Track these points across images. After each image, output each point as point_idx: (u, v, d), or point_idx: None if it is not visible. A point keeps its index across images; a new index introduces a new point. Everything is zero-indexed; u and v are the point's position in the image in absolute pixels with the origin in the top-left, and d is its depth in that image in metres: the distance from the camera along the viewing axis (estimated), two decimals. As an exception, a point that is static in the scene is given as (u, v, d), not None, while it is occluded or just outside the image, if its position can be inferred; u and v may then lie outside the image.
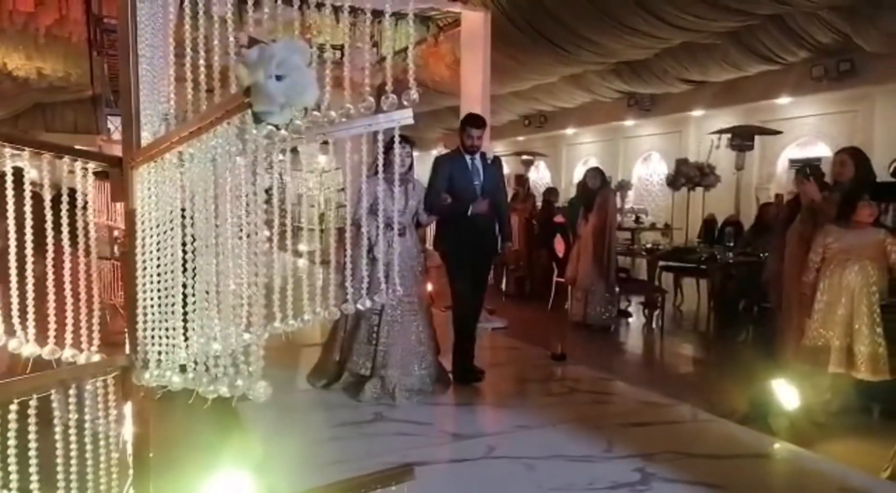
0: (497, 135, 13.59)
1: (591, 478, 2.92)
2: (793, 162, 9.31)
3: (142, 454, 1.40)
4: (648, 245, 7.29)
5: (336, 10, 1.62)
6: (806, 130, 9.54)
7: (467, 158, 4.36)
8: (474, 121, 4.40)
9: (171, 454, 2.85)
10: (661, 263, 7.26)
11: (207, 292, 1.04)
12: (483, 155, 4.36)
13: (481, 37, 6.34)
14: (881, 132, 8.51)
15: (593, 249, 6.45)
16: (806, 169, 4.60)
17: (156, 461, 1.47)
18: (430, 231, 4.42)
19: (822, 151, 9.05)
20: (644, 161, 12.88)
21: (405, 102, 1.19)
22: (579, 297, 6.65)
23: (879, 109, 8.55)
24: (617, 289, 6.76)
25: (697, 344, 6.58)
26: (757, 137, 8.79)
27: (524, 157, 13.59)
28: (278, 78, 0.87)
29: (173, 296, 1.11)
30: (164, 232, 1.14)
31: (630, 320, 7.31)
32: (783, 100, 9.18)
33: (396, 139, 1.36)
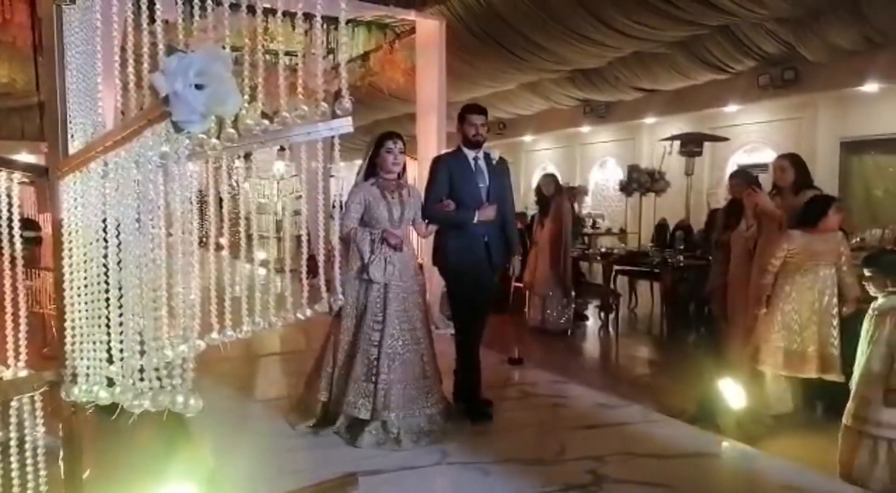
0: (456, 141, 13.63)
1: (543, 482, 2.95)
2: (741, 168, 9.58)
3: (75, 474, 1.36)
4: (603, 249, 7.41)
5: (291, 16, 1.61)
6: (753, 136, 9.84)
7: (470, 157, 3.81)
8: (474, 108, 3.88)
9: (117, 467, 2.78)
10: (615, 267, 7.39)
11: (133, 305, 1.02)
12: (487, 155, 3.86)
13: (436, 44, 6.37)
14: (824, 138, 8.84)
15: (550, 255, 6.52)
16: (756, 177, 4.69)
17: (98, 475, 1.43)
18: (425, 243, 3.95)
19: (769, 156, 9.33)
20: (600, 167, 13.10)
21: (338, 112, 1.19)
22: (537, 302, 6.72)
23: (822, 116, 8.87)
24: (573, 293, 6.85)
25: (650, 346, 6.71)
26: (707, 144, 9.03)
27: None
28: (199, 87, 0.86)
29: (99, 309, 1.09)
30: (91, 244, 1.12)
31: (587, 323, 7.41)
32: (731, 107, 9.45)
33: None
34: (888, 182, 8.64)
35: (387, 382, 3.35)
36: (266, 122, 1.22)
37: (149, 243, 0.98)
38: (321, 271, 1.68)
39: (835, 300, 3.94)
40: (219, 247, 1.59)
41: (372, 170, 3.56)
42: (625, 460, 3.20)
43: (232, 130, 1.24)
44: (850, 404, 3.19)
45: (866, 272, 3.22)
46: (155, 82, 0.85)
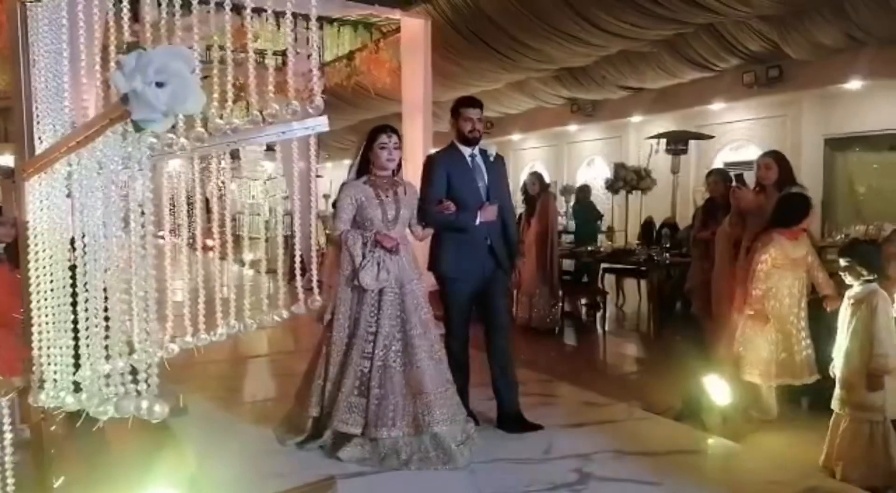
0: (444, 141, 13.63)
1: (529, 480, 2.95)
2: (727, 165, 9.63)
3: (45, 479, 1.34)
4: (590, 248, 7.43)
5: (277, 16, 1.59)
6: (739, 133, 9.89)
7: (466, 154, 3.55)
8: (469, 101, 3.60)
9: (94, 471, 2.75)
10: (602, 265, 7.40)
11: (98, 309, 1.00)
12: (483, 151, 3.61)
13: (421, 43, 6.35)
14: (808, 135, 8.89)
15: (536, 253, 6.52)
16: (742, 175, 4.66)
17: (74, 479, 1.41)
18: (422, 246, 3.64)
19: (754, 154, 9.36)
20: (588, 165, 13.12)
21: (310, 110, 1.18)
22: (524, 301, 6.72)
23: (807, 113, 8.93)
24: (560, 292, 6.86)
25: (637, 344, 6.73)
26: (693, 142, 9.07)
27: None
28: (159, 85, 0.84)
29: (66, 313, 1.07)
30: (57, 246, 1.09)
31: (575, 321, 7.42)
32: (717, 105, 9.49)
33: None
34: (871, 179, 8.71)
35: (379, 396, 3.08)
36: (237, 121, 1.21)
37: (113, 246, 0.96)
38: (308, 270, 1.65)
39: (804, 303, 3.94)
40: (206, 248, 1.58)
41: (364, 166, 3.31)
42: (610, 458, 3.21)
43: (201, 130, 1.22)
44: (837, 392, 3.23)
45: (843, 262, 3.24)
46: (113, 81, 0.83)
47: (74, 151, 1.00)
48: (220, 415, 3.86)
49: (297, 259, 1.69)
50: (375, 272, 3.11)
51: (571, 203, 9.45)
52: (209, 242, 1.89)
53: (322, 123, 1.42)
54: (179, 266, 1.60)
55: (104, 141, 0.97)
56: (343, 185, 3.37)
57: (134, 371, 0.92)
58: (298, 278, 1.61)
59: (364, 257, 3.13)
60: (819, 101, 8.68)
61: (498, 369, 3.57)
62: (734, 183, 4.64)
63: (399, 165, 3.35)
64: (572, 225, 8.90)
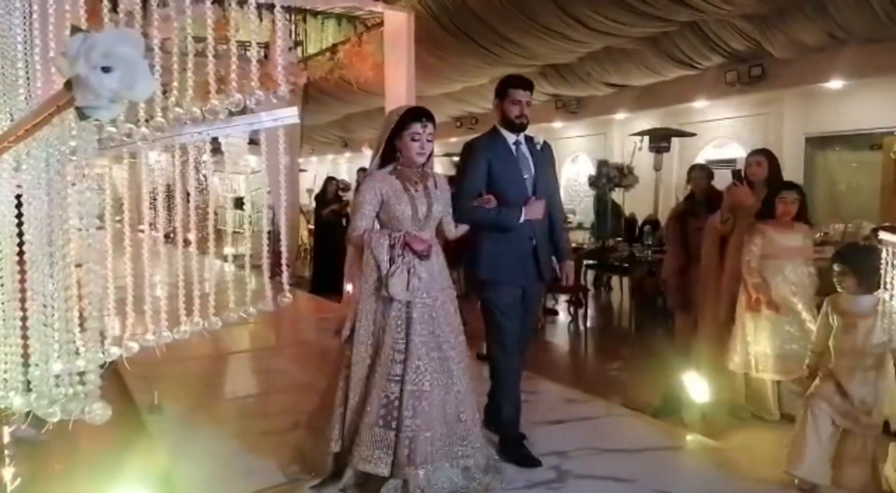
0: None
1: (507, 478, 2.92)
2: (710, 163, 9.67)
3: None
4: (573, 244, 7.44)
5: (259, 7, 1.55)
6: (721, 131, 9.94)
7: (510, 141, 3.10)
8: (519, 80, 3.13)
9: (70, 467, 2.69)
10: (585, 261, 7.41)
11: (45, 307, 0.96)
12: (529, 139, 3.16)
13: (405, 37, 6.30)
14: (790, 133, 8.96)
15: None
16: (740, 172, 4.58)
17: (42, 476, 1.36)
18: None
19: (737, 151, 9.44)
20: (572, 162, 13.14)
21: (273, 100, 1.14)
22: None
23: (788, 112, 8.99)
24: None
25: (618, 340, 6.76)
26: (676, 139, 9.09)
27: (455, 158, 13.63)
28: (105, 70, 0.80)
29: (14, 310, 1.02)
30: (4, 241, 1.05)
31: (557, 318, 7.43)
32: (700, 103, 9.53)
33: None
34: (851, 177, 8.79)
35: (412, 429, 2.58)
36: (197, 110, 1.17)
37: (60, 240, 0.92)
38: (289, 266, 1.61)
39: (811, 292, 3.81)
40: (186, 242, 1.53)
41: (390, 154, 2.80)
42: (588, 455, 3.20)
43: (161, 120, 1.18)
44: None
45: (837, 268, 3.03)
46: (57, 65, 0.79)
47: (21, 140, 0.95)
48: (196, 413, 3.81)
49: (274, 252, 1.65)
50: (406, 280, 2.63)
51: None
52: (189, 237, 1.85)
53: (292, 115, 1.39)
54: (155, 261, 1.56)
55: (53, 130, 0.92)
56: (364, 175, 2.95)
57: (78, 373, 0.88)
58: (285, 273, 1.57)
59: (392, 262, 2.64)
60: (800, 99, 8.74)
61: (504, 388, 3.21)
62: (732, 179, 4.60)
63: (430, 153, 2.84)
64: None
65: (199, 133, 1.29)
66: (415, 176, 2.78)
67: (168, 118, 1.15)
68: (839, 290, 3.05)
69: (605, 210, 8.23)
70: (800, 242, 3.87)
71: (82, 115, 0.80)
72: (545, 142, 3.26)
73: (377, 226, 2.79)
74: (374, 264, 2.66)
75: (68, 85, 0.79)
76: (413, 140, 2.72)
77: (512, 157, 3.09)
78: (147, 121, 1.14)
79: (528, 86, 3.10)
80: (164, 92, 1.31)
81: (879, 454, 2.94)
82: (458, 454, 2.69)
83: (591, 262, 7.48)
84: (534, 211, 3.02)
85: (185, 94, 1.14)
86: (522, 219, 3.00)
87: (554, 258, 3.33)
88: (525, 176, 3.09)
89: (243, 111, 1.27)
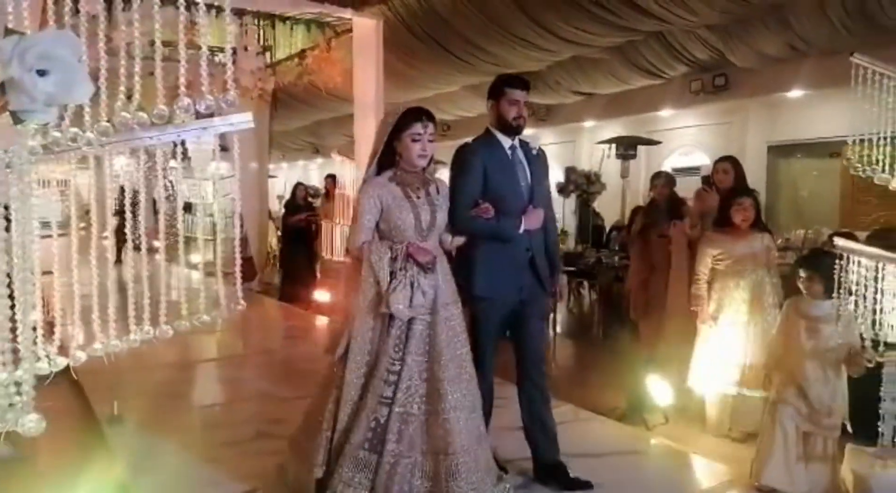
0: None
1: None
2: (675, 170, 9.84)
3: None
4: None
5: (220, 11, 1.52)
6: (686, 139, 10.13)
7: (506, 146, 2.90)
8: (516, 80, 2.93)
9: (21, 482, 2.62)
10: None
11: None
12: (525, 144, 2.97)
13: (373, 44, 6.30)
14: (753, 141, 9.16)
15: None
16: (709, 177, 4.63)
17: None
18: None
19: (701, 159, 9.62)
20: (543, 169, 13.26)
21: (223, 105, 1.13)
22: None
23: (751, 120, 9.20)
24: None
25: (586, 345, 6.82)
26: (643, 147, 9.24)
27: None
28: (41, 73, 0.79)
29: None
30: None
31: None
32: (665, 112, 9.70)
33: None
34: (812, 185, 9.02)
35: (394, 454, 2.41)
36: (144, 115, 1.15)
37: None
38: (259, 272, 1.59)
39: (771, 300, 3.72)
40: (152, 249, 1.50)
41: (389, 158, 2.60)
42: (555, 460, 3.20)
43: (107, 125, 1.16)
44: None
45: (802, 273, 3.06)
46: (-11, 68, 0.77)
47: (-42, 143, 0.92)
48: (158, 423, 3.72)
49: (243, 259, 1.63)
50: (409, 295, 2.42)
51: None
52: (156, 244, 1.83)
53: (246, 120, 1.37)
54: (106, 268, 1.53)
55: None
56: (363, 182, 2.69)
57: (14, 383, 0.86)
58: (238, 280, 1.55)
59: (394, 275, 2.43)
60: (763, 108, 8.95)
61: (531, 410, 3.04)
62: (702, 185, 4.65)
63: (431, 158, 2.64)
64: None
65: (150, 138, 1.27)
66: (416, 182, 2.59)
67: (115, 123, 1.13)
68: (806, 295, 3.09)
69: (589, 218, 8.31)
70: (756, 249, 3.80)
71: (16, 119, 0.78)
72: (540, 148, 3.09)
73: (376, 237, 2.58)
74: (374, 278, 2.45)
75: (1, 88, 0.77)
76: (414, 141, 2.53)
77: (509, 162, 2.89)
78: (93, 125, 1.12)
79: (525, 85, 2.91)
80: (129, 96, 1.30)
81: (838, 456, 3.01)
82: (446, 487, 2.41)
83: (565, 268, 7.53)
84: (532, 221, 2.84)
85: (133, 98, 1.12)
86: (521, 229, 2.82)
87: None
88: (522, 183, 2.89)
89: (212, 115, 1.26)
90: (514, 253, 2.85)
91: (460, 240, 2.77)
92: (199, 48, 1.26)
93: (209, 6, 1.34)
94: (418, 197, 2.56)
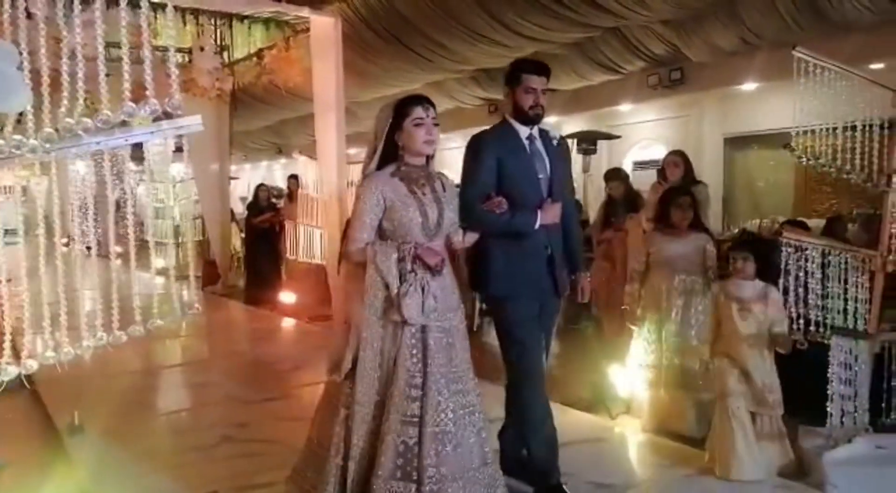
0: (361, 142, 13.50)
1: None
2: (636, 164, 10.00)
3: None
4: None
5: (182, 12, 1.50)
6: (645, 133, 10.29)
7: (523, 135, 2.70)
8: (534, 65, 2.75)
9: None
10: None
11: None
12: (544, 133, 2.77)
13: (332, 43, 6.25)
14: (709, 134, 9.37)
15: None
16: (664, 170, 4.68)
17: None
18: None
19: (661, 153, 9.78)
20: (507, 165, 13.35)
21: (167, 109, 1.12)
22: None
23: (707, 113, 9.40)
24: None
25: (552, 338, 6.87)
26: (604, 141, 9.36)
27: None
28: (-25, 82, 0.78)
29: None
30: None
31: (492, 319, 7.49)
32: (625, 106, 9.85)
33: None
34: (768, 175, 9.26)
35: (436, 479, 2.15)
36: (88, 121, 1.14)
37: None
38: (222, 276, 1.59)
39: (700, 307, 3.57)
40: (107, 255, 1.48)
41: (391, 153, 2.39)
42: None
43: (51, 131, 1.15)
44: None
45: (741, 254, 3.06)
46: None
47: None
48: (120, 432, 3.66)
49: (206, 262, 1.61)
50: (420, 301, 2.22)
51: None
52: (118, 249, 1.81)
53: (195, 123, 1.37)
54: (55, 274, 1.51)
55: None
56: (362, 178, 2.44)
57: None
58: (192, 282, 1.55)
59: (404, 279, 2.23)
60: (718, 102, 9.15)
61: (531, 424, 2.82)
62: (657, 178, 4.75)
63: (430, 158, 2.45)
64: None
65: (97, 144, 1.26)
66: (421, 177, 2.38)
67: (60, 129, 1.12)
68: (735, 277, 3.12)
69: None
70: (689, 249, 3.65)
71: (-49, 127, 0.78)
72: (561, 137, 2.90)
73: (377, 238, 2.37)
74: (381, 282, 2.24)
75: (-66, 97, 0.76)
76: (417, 126, 2.32)
77: (525, 153, 2.69)
78: (36, 132, 1.11)
79: (543, 71, 2.70)
80: (85, 100, 1.28)
81: (786, 431, 3.10)
82: None
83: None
84: (550, 215, 2.62)
85: (76, 104, 1.11)
86: (538, 224, 2.60)
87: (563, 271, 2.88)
88: (540, 176, 2.68)
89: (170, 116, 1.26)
90: (531, 251, 2.65)
91: (473, 237, 2.58)
92: (152, 49, 1.25)
93: (155, 6, 1.33)
94: (424, 193, 2.34)
